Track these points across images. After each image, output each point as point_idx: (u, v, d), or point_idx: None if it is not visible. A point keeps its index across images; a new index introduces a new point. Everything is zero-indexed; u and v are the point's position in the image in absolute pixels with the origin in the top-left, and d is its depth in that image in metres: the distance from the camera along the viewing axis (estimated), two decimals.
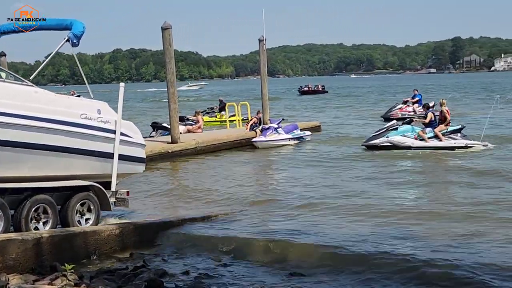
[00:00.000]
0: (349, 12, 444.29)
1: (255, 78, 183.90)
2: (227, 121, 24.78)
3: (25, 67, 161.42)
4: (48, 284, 5.59)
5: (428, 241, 7.58)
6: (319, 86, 66.82)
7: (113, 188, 8.40)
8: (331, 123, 28.06)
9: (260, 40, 22.46)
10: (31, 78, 7.82)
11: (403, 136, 17.54)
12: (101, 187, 8.17)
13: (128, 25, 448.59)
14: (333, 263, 6.80)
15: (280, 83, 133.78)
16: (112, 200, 8.40)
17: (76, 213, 7.84)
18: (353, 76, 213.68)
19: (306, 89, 65.73)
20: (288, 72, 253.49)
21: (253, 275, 6.42)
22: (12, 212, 7.07)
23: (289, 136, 20.04)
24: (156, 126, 21.59)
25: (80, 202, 7.90)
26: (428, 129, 17.59)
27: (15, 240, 6.10)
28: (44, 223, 7.38)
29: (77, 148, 7.72)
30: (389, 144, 17.39)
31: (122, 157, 8.39)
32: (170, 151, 16.78)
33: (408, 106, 29.03)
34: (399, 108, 29.26)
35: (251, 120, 21.32)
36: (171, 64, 17.43)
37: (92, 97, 8.43)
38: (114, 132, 8.26)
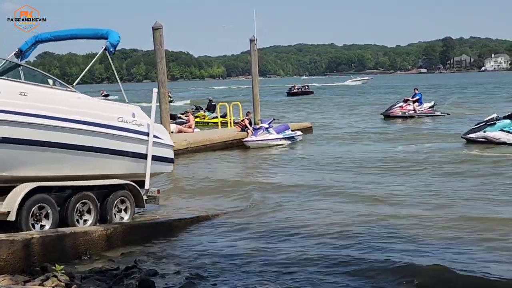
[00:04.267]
0: (340, 12, 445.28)
1: (244, 78, 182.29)
2: (219, 122, 24.73)
3: None
4: (38, 285, 5.57)
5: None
6: (305, 87, 67.32)
7: (146, 187, 8.91)
8: (319, 123, 28.21)
9: (251, 40, 22.47)
10: (74, 84, 8.24)
11: (501, 131, 17.03)
12: (136, 185, 8.64)
13: (119, 25, 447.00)
14: (326, 262, 6.84)
15: (272, 84, 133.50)
16: (144, 197, 8.85)
17: (114, 209, 8.37)
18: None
19: (295, 90, 65.90)
20: (280, 72, 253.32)
21: (245, 276, 6.43)
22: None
23: (280, 136, 20.08)
24: None
25: (118, 199, 8.38)
26: None
27: (5, 241, 6.07)
28: (86, 219, 7.86)
29: (115, 149, 8.23)
30: (484, 139, 17.03)
31: (154, 158, 8.90)
32: None
33: (409, 104, 29.42)
34: (400, 106, 29.64)
35: (242, 120, 21.29)
36: (162, 64, 17.39)
37: (127, 101, 8.96)
38: (147, 134, 8.75)
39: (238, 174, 14.34)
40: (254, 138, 19.55)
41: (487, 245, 7.40)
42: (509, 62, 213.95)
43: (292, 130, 20.98)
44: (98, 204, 8.04)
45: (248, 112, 21.54)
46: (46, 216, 7.32)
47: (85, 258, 6.93)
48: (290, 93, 64.73)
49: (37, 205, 7.18)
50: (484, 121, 17.76)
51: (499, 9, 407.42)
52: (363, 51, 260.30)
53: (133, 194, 8.63)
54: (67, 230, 7.09)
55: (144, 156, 8.73)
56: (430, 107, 29.67)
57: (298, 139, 20.63)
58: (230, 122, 23.77)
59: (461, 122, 25.93)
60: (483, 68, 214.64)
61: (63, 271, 5.91)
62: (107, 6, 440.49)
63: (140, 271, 6.33)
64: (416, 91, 30.29)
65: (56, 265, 5.99)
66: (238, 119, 22.89)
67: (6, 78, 7.41)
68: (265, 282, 6.15)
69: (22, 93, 7.12)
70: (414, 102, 29.41)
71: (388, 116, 29.54)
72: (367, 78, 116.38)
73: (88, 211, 7.90)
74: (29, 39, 9.53)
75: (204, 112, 29.93)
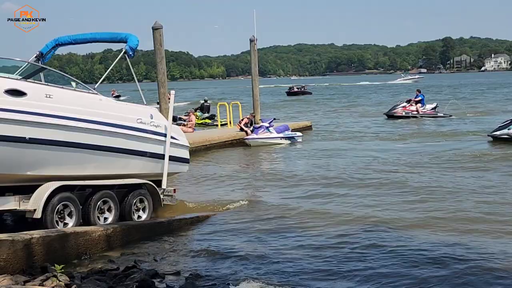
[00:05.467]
0: (340, 13, 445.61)
1: (242, 78, 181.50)
2: (219, 122, 24.67)
3: None
4: (38, 285, 5.57)
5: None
6: (304, 87, 67.60)
7: (163, 186, 9.15)
8: (320, 122, 28.20)
9: (251, 40, 22.46)
10: (95, 86, 8.43)
11: None
12: (153, 185, 8.85)
13: (118, 25, 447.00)
14: (326, 263, 6.84)
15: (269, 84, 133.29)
16: (161, 196, 9.05)
17: (133, 207, 8.60)
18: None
19: (296, 90, 66.20)
20: (279, 72, 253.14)
21: (245, 276, 6.42)
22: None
23: (281, 135, 20.10)
24: None
25: (137, 198, 8.64)
26: None
27: (6, 241, 6.07)
28: (107, 217, 8.16)
29: (134, 150, 8.50)
30: (507, 136, 17.23)
31: (171, 158, 9.16)
32: None
33: (411, 105, 29.58)
34: (403, 107, 29.84)
35: (242, 120, 21.27)
36: (162, 64, 17.34)
37: (145, 103, 9.23)
38: (164, 135, 9.03)
39: (237, 174, 14.32)
40: (255, 136, 19.63)
41: None
42: (509, 62, 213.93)
43: (292, 130, 20.97)
44: (118, 203, 8.29)
45: (252, 113, 21.59)
46: (70, 214, 7.58)
47: (85, 258, 6.95)
48: (289, 93, 65.09)
49: (61, 203, 7.45)
50: (510, 119, 18.04)
51: (499, 9, 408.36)
52: (363, 51, 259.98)
53: (151, 193, 8.88)
54: (67, 230, 7.12)
55: (161, 156, 9.00)
56: (432, 109, 29.75)
57: (298, 140, 20.61)
58: (230, 122, 23.72)
59: (465, 123, 25.91)
60: (483, 68, 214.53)
61: (63, 271, 5.91)
62: (107, 6, 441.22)
63: (140, 271, 6.33)
64: (418, 93, 30.38)
65: (56, 265, 6.00)
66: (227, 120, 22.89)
67: (33, 80, 7.72)
68: (265, 281, 6.16)
69: (48, 95, 7.37)
70: (416, 103, 29.53)
71: (391, 116, 29.65)
72: (418, 76, 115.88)
73: (109, 210, 8.17)
74: (50, 42, 9.79)
75: (198, 112, 29.90)
